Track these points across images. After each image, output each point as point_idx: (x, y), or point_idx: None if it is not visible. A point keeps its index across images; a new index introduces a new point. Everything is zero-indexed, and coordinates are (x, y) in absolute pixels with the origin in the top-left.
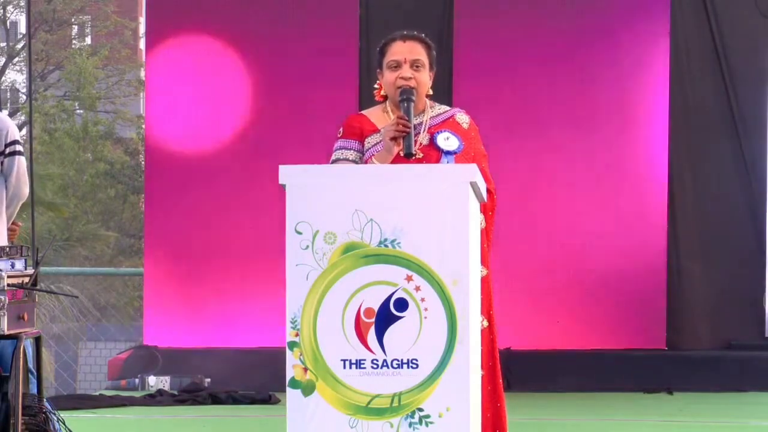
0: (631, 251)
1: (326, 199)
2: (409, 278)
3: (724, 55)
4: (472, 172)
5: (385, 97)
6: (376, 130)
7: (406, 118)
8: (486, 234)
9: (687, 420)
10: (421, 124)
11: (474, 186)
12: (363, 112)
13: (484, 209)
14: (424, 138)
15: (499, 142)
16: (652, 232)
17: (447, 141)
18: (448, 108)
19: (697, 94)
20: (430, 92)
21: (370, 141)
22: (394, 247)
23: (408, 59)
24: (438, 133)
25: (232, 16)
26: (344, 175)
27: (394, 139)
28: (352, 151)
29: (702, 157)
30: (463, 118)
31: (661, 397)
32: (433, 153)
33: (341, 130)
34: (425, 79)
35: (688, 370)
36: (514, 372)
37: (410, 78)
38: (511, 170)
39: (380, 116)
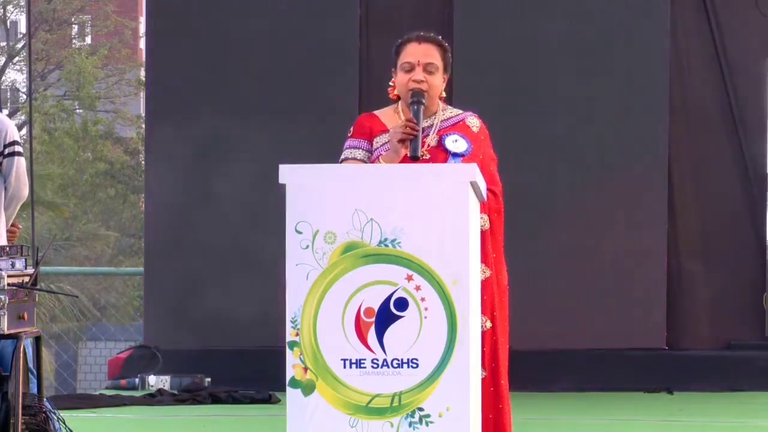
0: (631, 251)
1: (326, 198)
2: (409, 278)
3: (724, 55)
4: (472, 172)
5: (398, 96)
6: (386, 130)
7: (415, 121)
8: (492, 236)
9: (687, 420)
10: (431, 126)
11: (474, 186)
12: (375, 112)
13: (489, 210)
14: (432, 140)
15: (497, 142)
16: (652, 232)
17: (455, 143)
18: (460, 111)
19: (697, 94)
20: (444, 94)
21: (378, 141)
22: (394, 246)
23: (421, 62)
24: (447, 135)
25: (232, 15)
26: (344, 175)
27: (401, 141)
28: (360, 150)
29: (702, 157)
30: (473, 122)
31: (661, 397)
32: (441, 155)
33: (351, 129)
34: (437, 82)
35: (688, 370)
36: (514, 372)
37: (422, 81)
38: (510, 170)
39: (391, 117)
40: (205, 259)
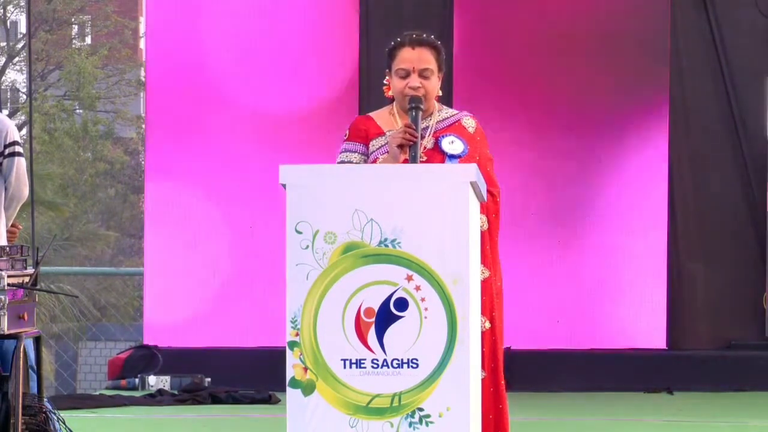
0: (631, 251)
1: (326, 199)
2: (409, 278)
3: (724, 54)
4: (472, 171)
5: (393, 96)
6: (382, 133)
7: (413, 127)
8: (490, 236)
9: (687, 420)
10: (427, 128)
11: (474, 186)
12: (370, 114)
13: (487, 211)
14: (429, 141)
15: (497, 142)
16: (652, 232)
17: (452, 145)
18: (455, 111)
19: (697, 94)
20: (440, 93)
21: (374, 144)
22: (394, 246)
23: (417, 68)
24: (443, 136)
25: (232, 15)
26: (344, 175)
27: (400, 146)
28: (356, 154)
29: (702, 158)
30: (469, 123)
31: (661, 397)
32: (438, 156)
33: (347, 132)
34: (434, 85)
35: (688, 370)
36: (514, 372)
37: (419, 87)
38: (510, 170)
39: (387, 119)
40: (205, 259)
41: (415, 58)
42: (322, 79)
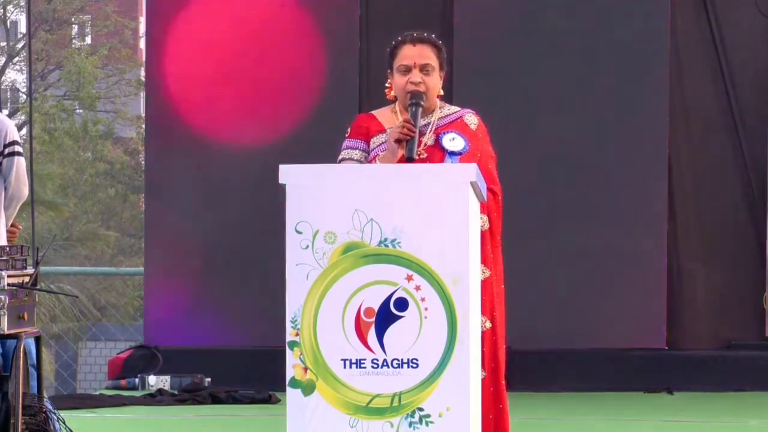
0: (631, 251)
1: (326, 198)
2: (409, 278)
3: (723, 54)
4: (472, 171)
5: (396, 97)
6: (383, 130)
7: (412, 122)
8: (492, 236)
9: (687, 420)
10: (428, 125)
11: (474, 186)
12: (373, 112)
13: (488, 210)
14: (429, 138)
15: (497, 142)
16: (652, 232)
17: (452, 142)
18: (458, 109)
19: (697, 93)
20: (441, 92)
21: (375, 141)
22: (394, 246)
23: (418, 64)
24: (444, 133)
25: (232, 15)
26: (344, 175)
27: (398, 141)
28: (357, 150)
29: (702, 157)
30: (471, 119)
31: (661, 397)
32: (438, 153)
33: (349, 129)
34: (435, 82)
35: (688, 370)
36: (514, 372)
37: (420, 83)
38: (510, 170)
39: (389, 117)
40: (205, 259)
41: (416, 54)
42: (322, 79)
